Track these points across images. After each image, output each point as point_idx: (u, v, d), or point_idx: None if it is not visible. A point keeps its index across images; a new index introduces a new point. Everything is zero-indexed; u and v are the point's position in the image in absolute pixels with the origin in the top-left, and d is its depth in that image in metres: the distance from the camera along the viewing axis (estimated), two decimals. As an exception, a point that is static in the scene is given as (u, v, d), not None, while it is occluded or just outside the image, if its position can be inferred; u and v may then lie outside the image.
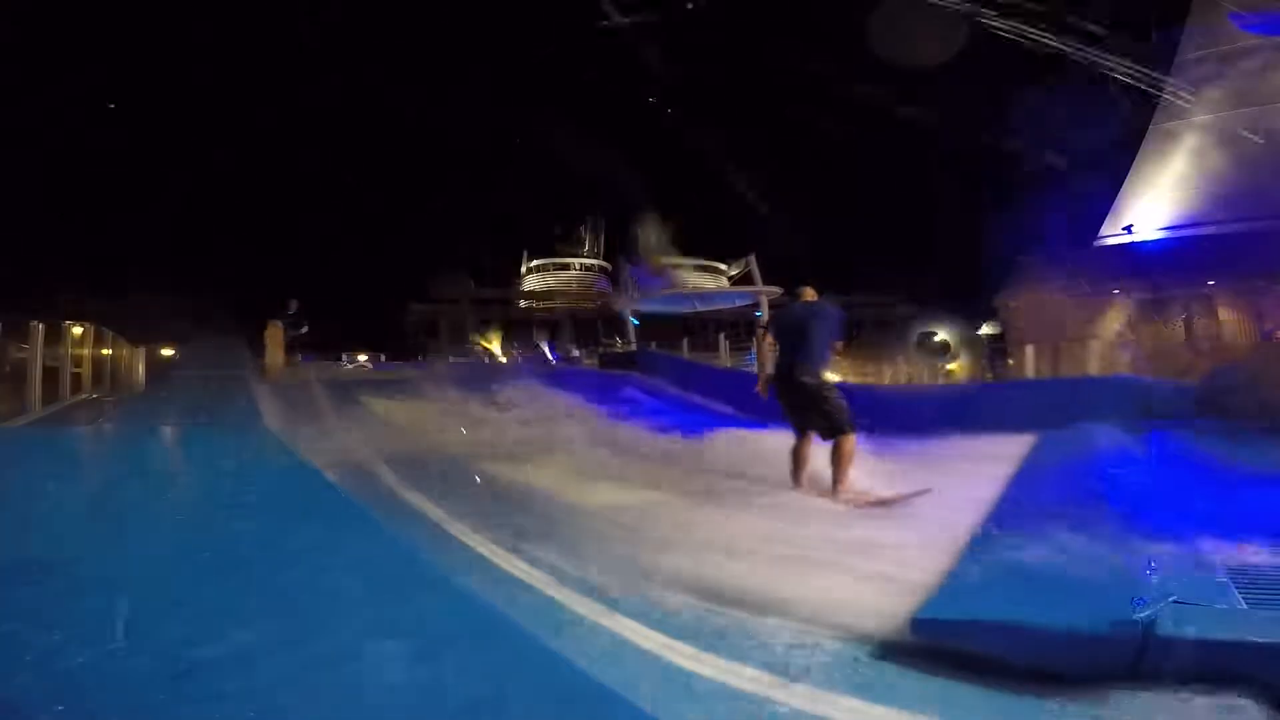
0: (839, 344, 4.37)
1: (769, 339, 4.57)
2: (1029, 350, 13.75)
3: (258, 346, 9.93)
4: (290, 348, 10.24)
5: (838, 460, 3.95)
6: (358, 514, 2.18)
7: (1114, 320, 17.64)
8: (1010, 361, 17.60)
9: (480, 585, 2.23)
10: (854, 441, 4.01)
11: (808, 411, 4.17)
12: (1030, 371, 13.34)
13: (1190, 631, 1.70)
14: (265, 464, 3.34)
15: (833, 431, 4.02)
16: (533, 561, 2.80)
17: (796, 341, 4.24)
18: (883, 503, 3.75)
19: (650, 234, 40.48)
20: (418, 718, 0.81)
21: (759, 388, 4.57)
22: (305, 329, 10.24)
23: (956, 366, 19.57)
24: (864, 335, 43.59)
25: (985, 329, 23.85)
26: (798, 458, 4.20)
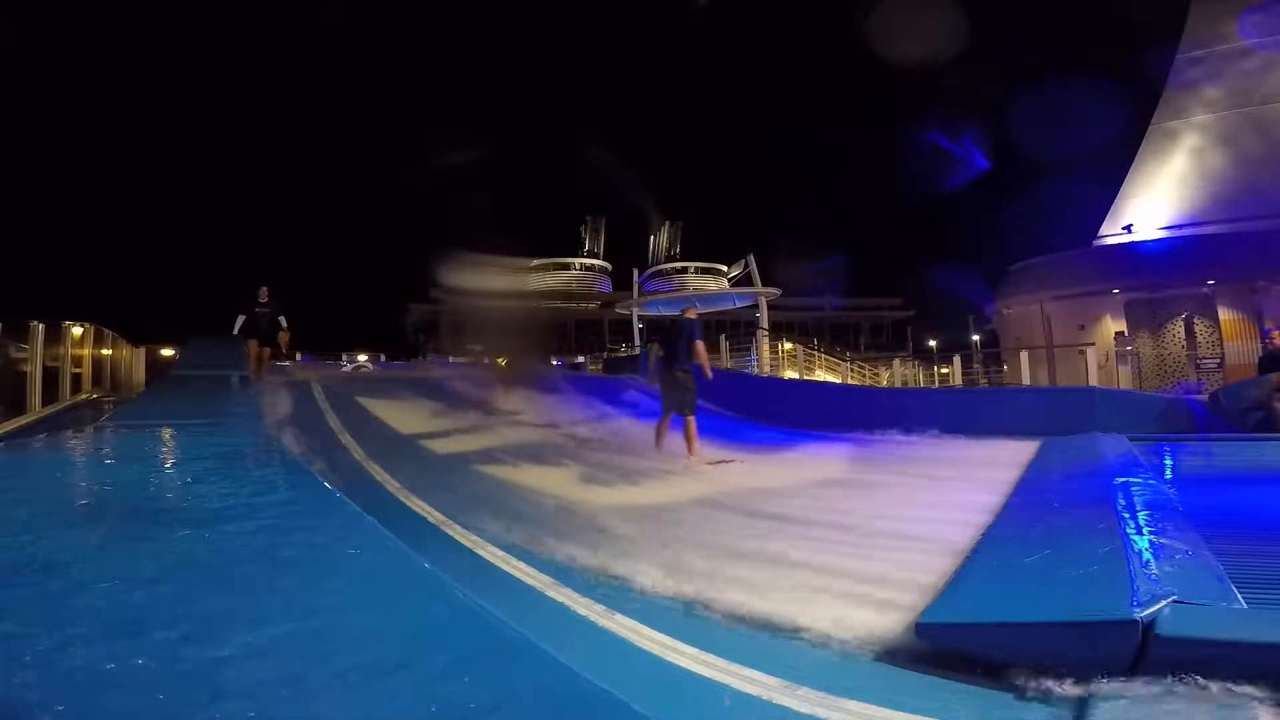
0: (697, 344, 6.09)
1: (655, 347, 6.61)
2: (1024, 356, 13.75)
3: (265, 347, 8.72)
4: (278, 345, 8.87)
5: (688, 436, 5.73)
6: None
7: (1111, 326, 17.62)
8: (1005, 367, 17.56)
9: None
10: (694, 422, 5.78)
11: (674, 395, 5.99)
12: (1026, 378, 13.36)
13: (1190, 631, 1.70)
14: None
15: (683, 412, 5.85)
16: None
17: (670, 348, 6.11)
18: (715, 463, 5.44)
19: (660, 239, 40.57)
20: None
21: (649, 379, 7.02)
22: (283, 323, 8.73)
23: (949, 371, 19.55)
24: (861, 339, 43.64)
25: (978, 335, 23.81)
26: (660, 431, 6.07)
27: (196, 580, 1.22)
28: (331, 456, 4.89)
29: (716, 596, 2.44)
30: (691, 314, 6.32)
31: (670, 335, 6.19)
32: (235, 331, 8.48)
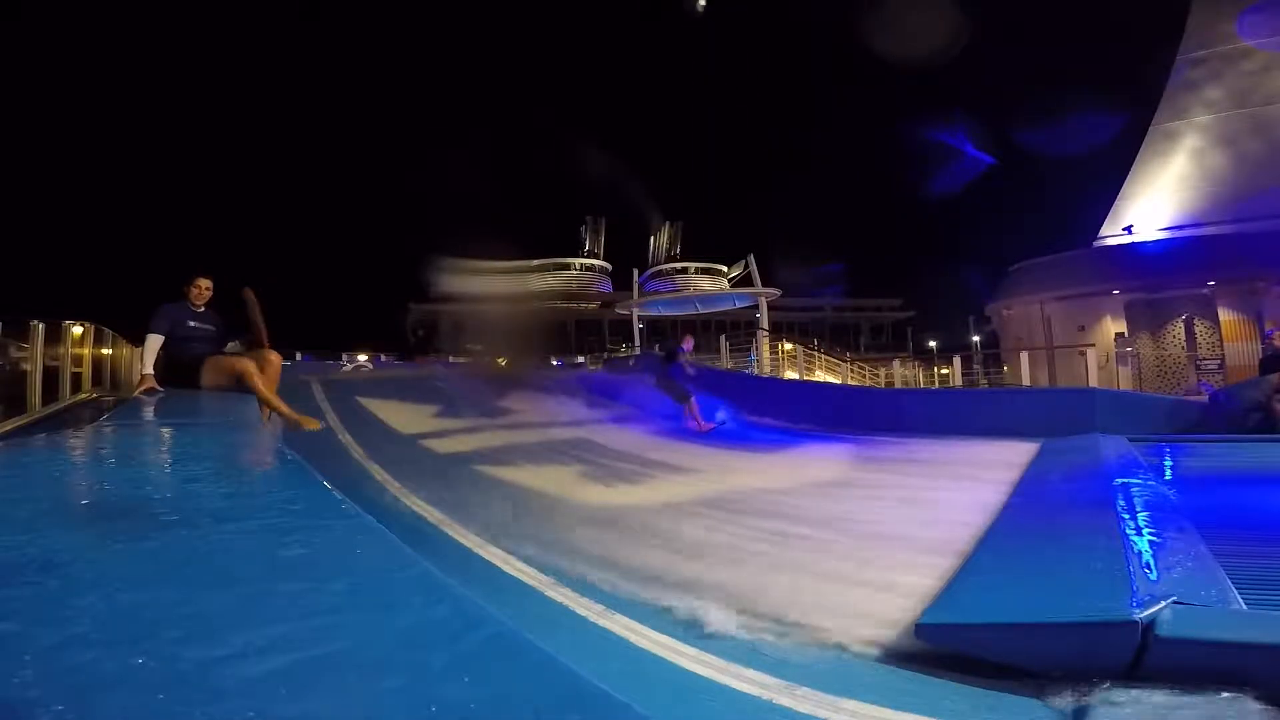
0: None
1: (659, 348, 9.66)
2: (1024, 357, 13.75)
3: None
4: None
5: (691, 411, 8.10)
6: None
7: (1111, 327, 17.61)
8: (1005, 368, 17.53)
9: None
10: (694, 402, 8.16)
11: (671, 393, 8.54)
12: (1026, 379, 13.36)
13: (1190, 631, 1.70)
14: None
15: (683, 400, 8.26)
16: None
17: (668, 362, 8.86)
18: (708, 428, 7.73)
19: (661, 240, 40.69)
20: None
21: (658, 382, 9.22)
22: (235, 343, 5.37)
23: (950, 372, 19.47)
24: (861, 340, 43.77)
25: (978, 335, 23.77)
26: (691, 410, 8.24)
27: (196, 580, 1.22)
28: (331, 456, 4.89)
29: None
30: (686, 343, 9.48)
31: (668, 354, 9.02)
32: (147, 370, 4.60)
